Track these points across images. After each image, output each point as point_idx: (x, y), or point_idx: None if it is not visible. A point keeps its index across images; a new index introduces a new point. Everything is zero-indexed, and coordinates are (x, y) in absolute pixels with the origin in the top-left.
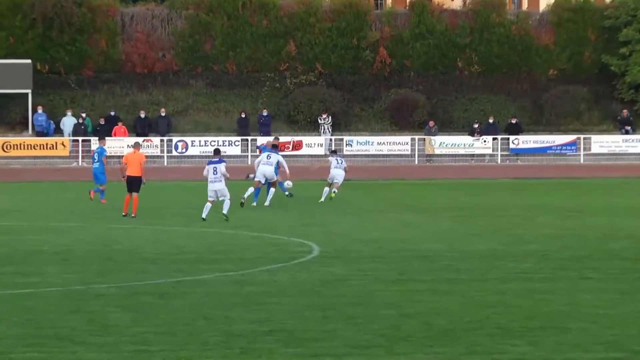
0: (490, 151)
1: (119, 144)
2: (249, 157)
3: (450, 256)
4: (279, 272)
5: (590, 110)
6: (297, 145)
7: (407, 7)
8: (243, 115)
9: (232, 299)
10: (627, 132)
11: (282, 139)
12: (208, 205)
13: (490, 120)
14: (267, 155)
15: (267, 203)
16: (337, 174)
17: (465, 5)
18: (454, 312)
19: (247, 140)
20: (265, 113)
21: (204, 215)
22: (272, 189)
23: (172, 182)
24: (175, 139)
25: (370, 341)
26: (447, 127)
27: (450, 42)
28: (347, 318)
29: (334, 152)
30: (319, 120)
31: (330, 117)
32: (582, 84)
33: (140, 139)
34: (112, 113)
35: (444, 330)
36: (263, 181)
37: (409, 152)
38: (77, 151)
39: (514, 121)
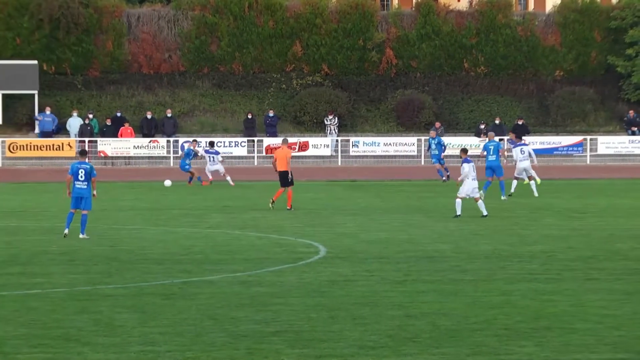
0: None
1: (125, 145)
2: (255, 158)
3: (456, 257)
4: (286, 272)
5: (597, 111)
6: (304, 146)
7: (413, 8)
8: (249, 116)
9: (239, 299)
10: (633, 133)
11: (289, 139)
12: (458, 201)
13: (497, 121)
14: (521, 150)
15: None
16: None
17: (471, 6)
18: (460, 313)
19: (253, 141)
20: (271, 114)
21: (459, 212)
22: (533, 181)
23: (178, 183)
24: (181, 140)
25: (377, 342)
26: (453, 128)
27: (456, 43)
28: (354, 318)
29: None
30: (325, 121)
31: (336, 118)
32: (588, 85)
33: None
34: (119, 114)
35: (450, 331)
36: (523, 176)
37: (415, 153)
38: None
39: (520, 122)
